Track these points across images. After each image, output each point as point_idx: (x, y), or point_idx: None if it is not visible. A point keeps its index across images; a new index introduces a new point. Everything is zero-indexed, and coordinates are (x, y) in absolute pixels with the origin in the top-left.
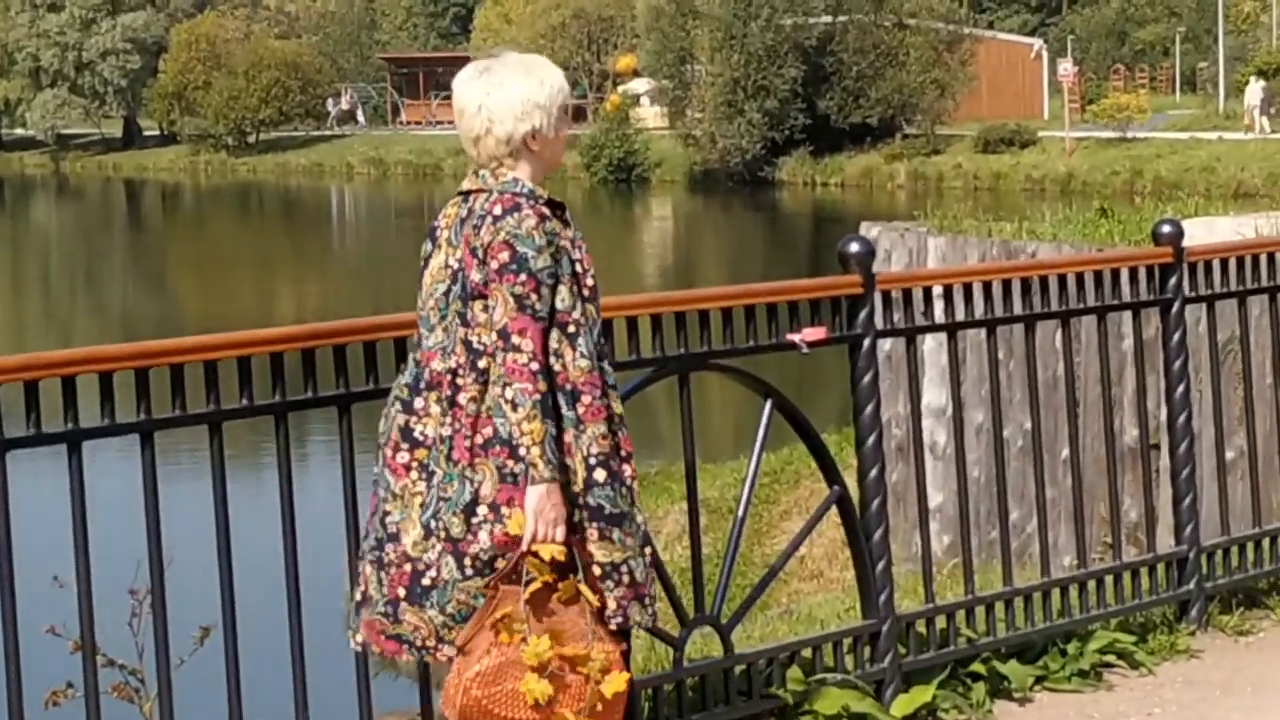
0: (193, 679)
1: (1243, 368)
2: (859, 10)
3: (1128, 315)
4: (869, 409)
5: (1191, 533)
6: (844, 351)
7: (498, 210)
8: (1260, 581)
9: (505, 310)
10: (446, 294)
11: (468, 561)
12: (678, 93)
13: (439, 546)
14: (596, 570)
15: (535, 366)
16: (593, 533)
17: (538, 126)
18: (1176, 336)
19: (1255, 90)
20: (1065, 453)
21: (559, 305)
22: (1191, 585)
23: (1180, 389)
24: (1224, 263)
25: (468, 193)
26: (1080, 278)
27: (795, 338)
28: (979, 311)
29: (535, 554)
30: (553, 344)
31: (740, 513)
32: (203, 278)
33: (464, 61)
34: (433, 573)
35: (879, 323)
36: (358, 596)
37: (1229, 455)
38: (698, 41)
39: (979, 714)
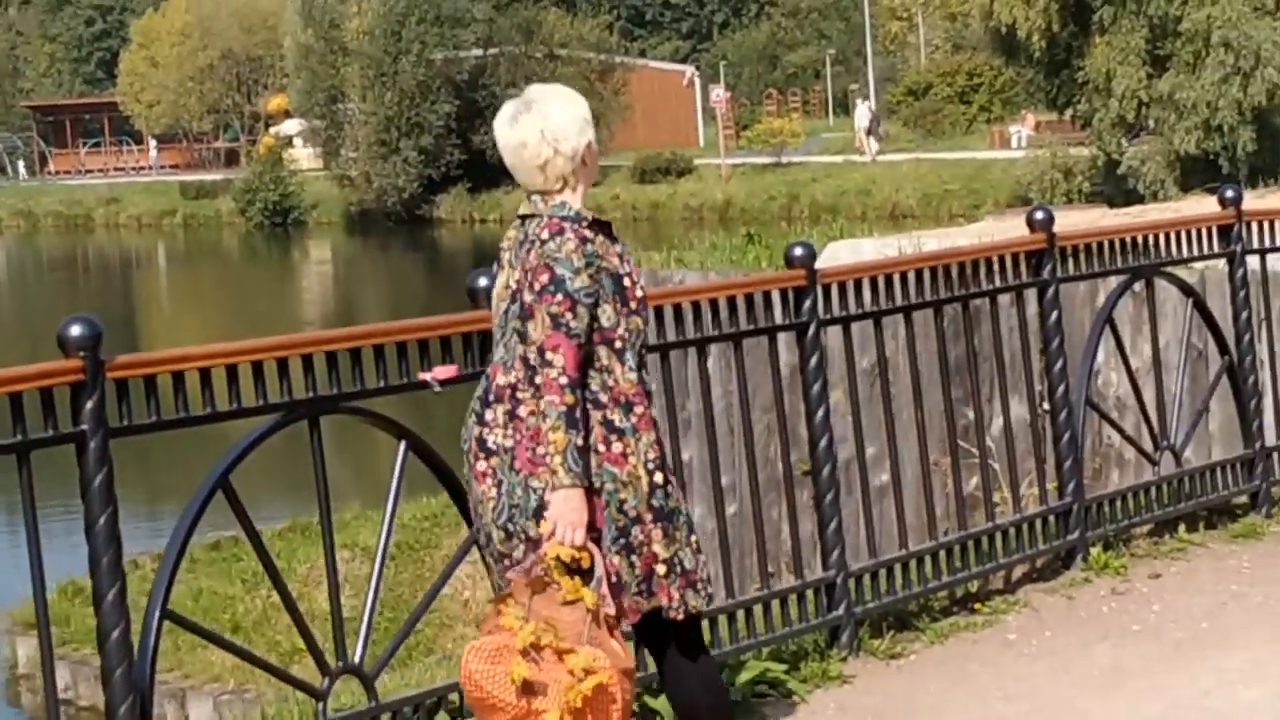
0: None
1: (882, 389)
2: (509, 42)
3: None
4: None
5: (839, 557)
6: None
7: (545, 235)
8: (910, 604)
9: (542, 328)
10: (507, 312)
11: None
12: (330, 132)
13: (522, 546)
14: (661, 568)
15: (564, 380)
16: (657, 532)
17: (591, 140)
18: (814, 360)
19: (863, 113)
20: (726, 479)
21: (604, 323)
22: (841, 610)
23: (820, 413)
24: (858, 284)
25: (524, 218)
26: (715, 304)
27: (427, 376)
28: None
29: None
30: (602, 359)
31: (378, 559)
32: None
33: (111, 107)
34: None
35: None
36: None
37: (884, 478)
38: (348, 79)
39: None
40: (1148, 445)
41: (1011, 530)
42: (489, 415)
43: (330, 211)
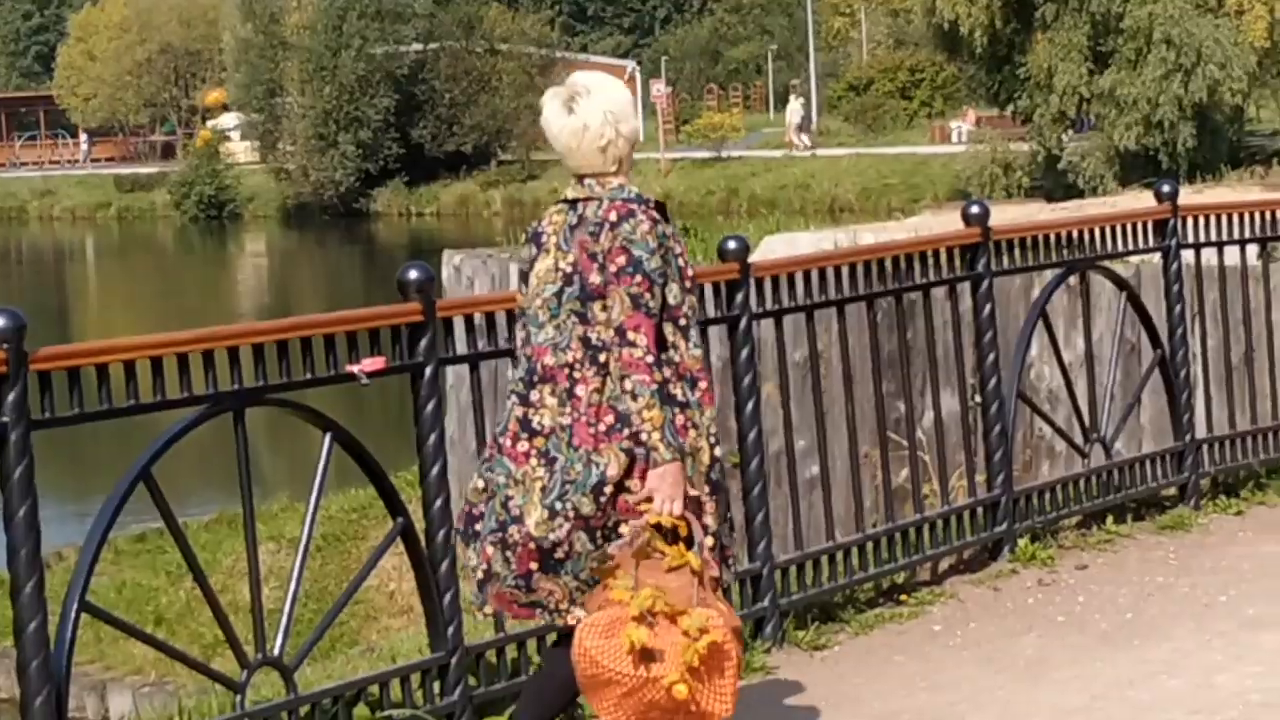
0: None
1: (813, 382)
2: (450, 37)
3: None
4: (433, 439)
5: (765, 549)
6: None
7: (613, 217)
8: (835, 596)
9: (622, 309)
10: (558, 295)
11: (599, 534)
12: (268, 126)
13: (567, 525)
14: (709, 540)
15: (650, 359)
16: (711, 504)
17: (638, 125)
18: (745, 353)
19: (795, 109)
20: None
21: (671, 301)
22: (766, 602)
23: (750, 405)
24: (791, 277)
25: (573, 201)
26: None
27: (354, 368)
28: None
29: (655, 525)
30: (669, 336)
31: (301, 551)
32: None
33: (48, 101)
34: (565, 547)
35: (443, 350)
36: (479, 574)
37: (813, 470)
38: (287, 73)
39: None
40: (1078, 438)
41: (939, 522)
42: (534, 396)
43: (266, 205)
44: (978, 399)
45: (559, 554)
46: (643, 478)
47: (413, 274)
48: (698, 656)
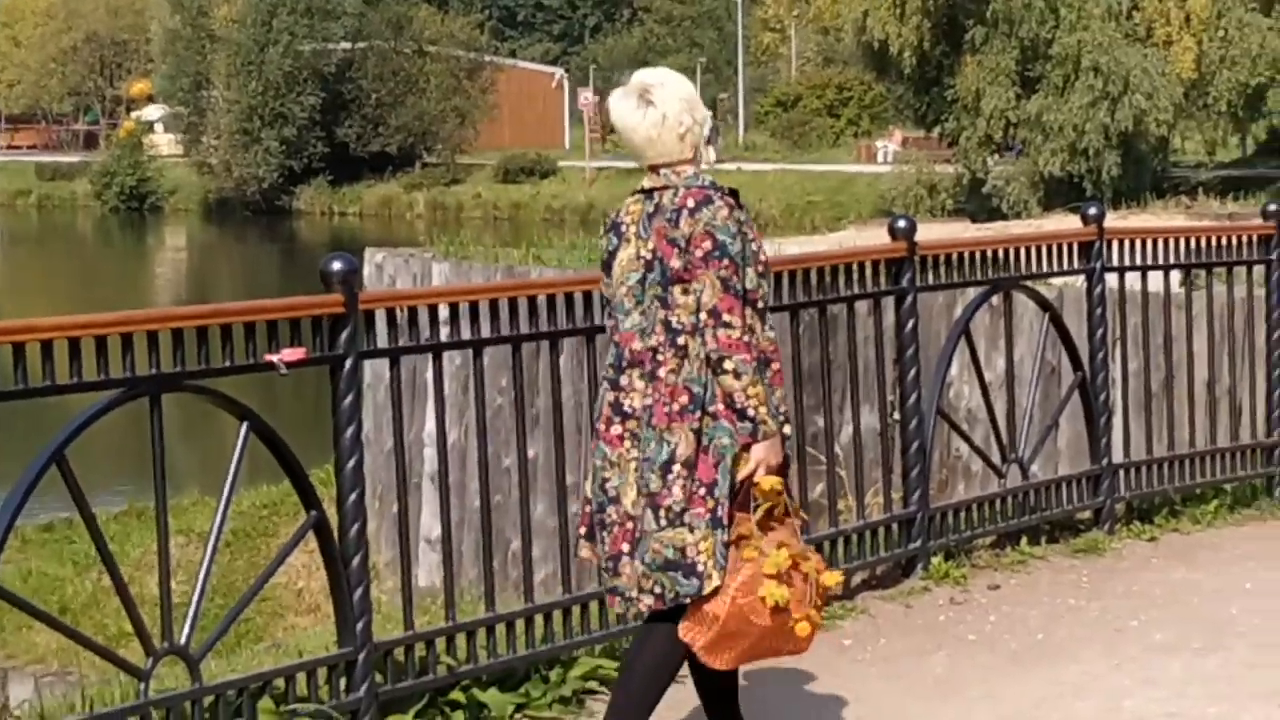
0: None
1: None
2: (379, 36)
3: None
4: (349, 432)
5: None
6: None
7: (691, 204)
8: None
9: (714, 292)
10: (641, 281)
11: (662, 514)
12: (193, 119)
13: (642, 502)
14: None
15: (747, 338)
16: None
17: (708, 113)
18: None
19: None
20: (572, 479)
21: (749, 285)
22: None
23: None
24: None
25: (649, 191)
26: (570, 297)
27: (274, 358)
28: (467, 333)
29: (760, 486)
30: (747, 319)
31: (212, 537)
32: None
33: None
34: (642, 525)
35: (364, 344)
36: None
37: None
38: (214, 67)
39: None
40: (996, 458)
41: (854, 536)
42: (624, 380)
43: (188, 199)
44: (897, 415)
45: (637, 533)
46: (746, 450)
47: (336, 265)
48: (819, 594)
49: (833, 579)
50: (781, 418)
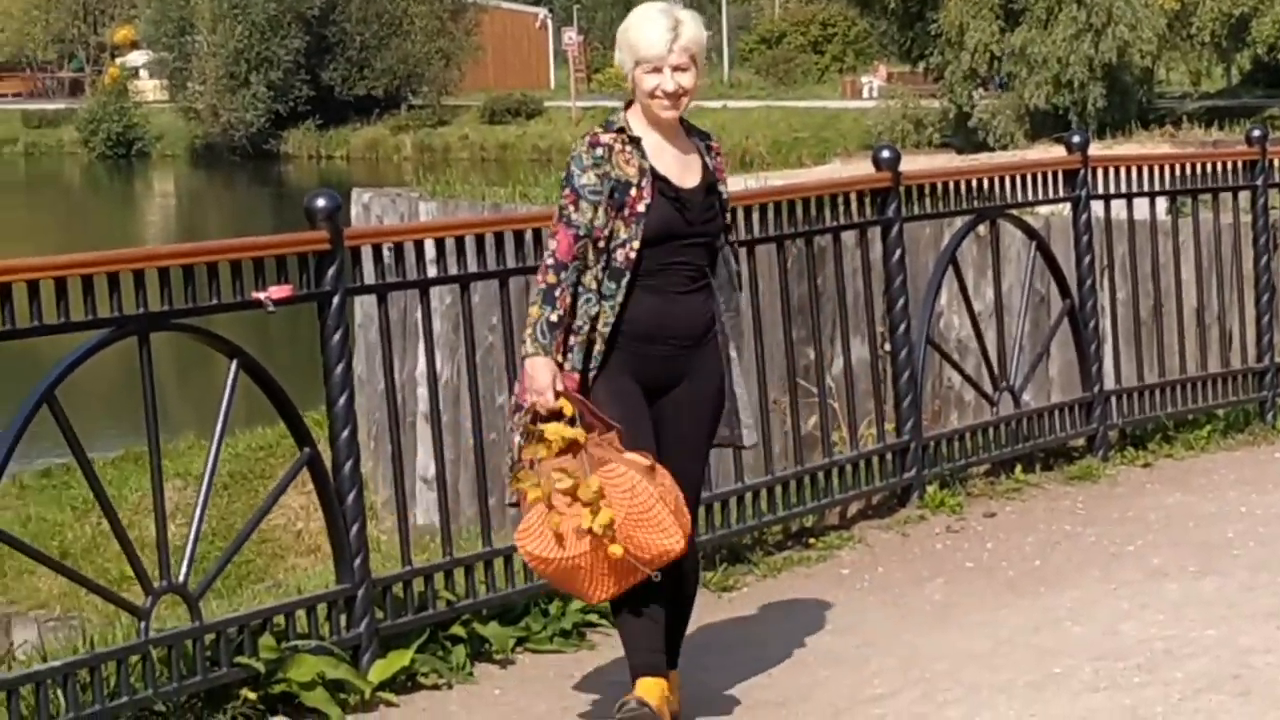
0: None
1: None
2: None
3: None
4: (339, 368)
5: None
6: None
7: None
8: (743, 538)
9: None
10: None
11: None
12: (178, 64)
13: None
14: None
15: (550, 262)
16: None
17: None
18: None
19: None
20: None
21: (590, 220)
22: None
23: None
24: None
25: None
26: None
27: (261, 295)
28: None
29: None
30: (571, 250)
31: (207, 472)
32: None
33: None
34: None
35: (350, 280)
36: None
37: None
38: (198, 11)
39: (459, 677)
40: (987, 387)
41: (848, 467)
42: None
43: (175, 144)
44: (887, 347)
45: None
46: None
47: (320, 201)
48: (606, 518)
49: (601, 516)
50: (546, 340)
